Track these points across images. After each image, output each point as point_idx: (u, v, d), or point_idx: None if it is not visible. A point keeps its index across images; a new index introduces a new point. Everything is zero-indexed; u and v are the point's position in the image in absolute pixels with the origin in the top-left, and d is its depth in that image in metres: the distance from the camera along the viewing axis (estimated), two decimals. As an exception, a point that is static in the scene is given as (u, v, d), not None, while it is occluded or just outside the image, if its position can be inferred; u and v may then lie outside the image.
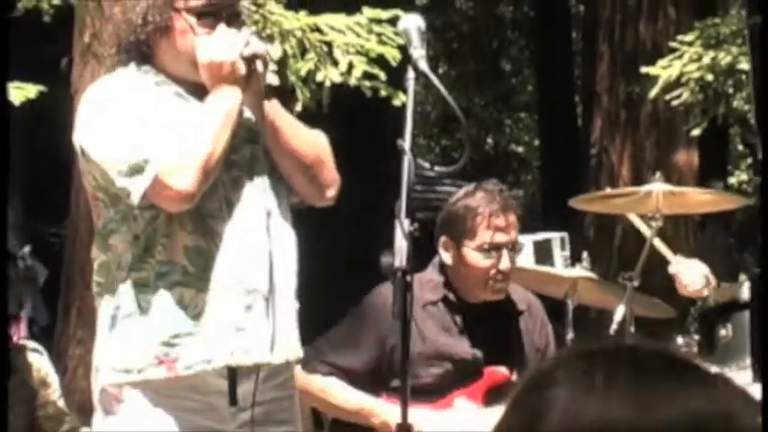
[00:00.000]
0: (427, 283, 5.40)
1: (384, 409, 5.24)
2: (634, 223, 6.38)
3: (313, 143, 4.24)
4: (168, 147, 3.96)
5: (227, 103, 4.05)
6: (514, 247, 5.43)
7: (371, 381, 5.31)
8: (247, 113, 4.16)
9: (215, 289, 4.05)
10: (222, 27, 4.12)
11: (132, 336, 4.05)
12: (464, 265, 5.39)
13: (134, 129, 4.01)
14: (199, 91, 4.10)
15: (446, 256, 5.41)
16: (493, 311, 5.50)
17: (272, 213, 4.15)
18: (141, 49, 4.16)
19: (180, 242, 4.04)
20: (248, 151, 4.16)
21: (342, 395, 5.33)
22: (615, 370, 1.78)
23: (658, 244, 6.13)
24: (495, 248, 5.35)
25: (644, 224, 6.23)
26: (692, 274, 6.02)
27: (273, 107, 4.18)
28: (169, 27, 4.14)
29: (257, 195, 4.15)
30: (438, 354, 5.38)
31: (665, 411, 1.75)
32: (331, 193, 4.27)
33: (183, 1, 4.13)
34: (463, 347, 5.43)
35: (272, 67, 4.26)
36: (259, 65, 4.10)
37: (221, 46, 4.07)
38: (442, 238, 5.40)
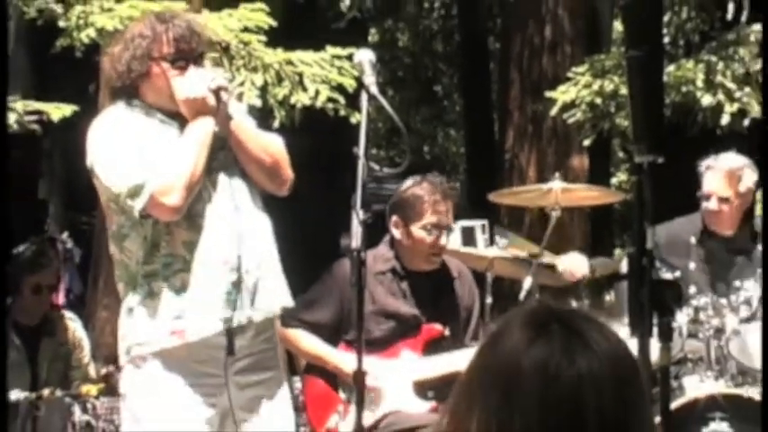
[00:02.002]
0: (380, 256, 5.45)
1: (337, 358, 5.30)
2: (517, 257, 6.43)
3: (271, 150, 4.25)
4: (159, 170, 3.99)
5: (202, 131, 4.09)
6: (450, 228, 5.49)
7: (333, 333, 5.36)
8: (220, 130, 4.18)
9: (206, 270, 4.07)
10: (192, 69, 4.14)
11: (149, 317, 4.06)
12: (411, 240, 5.43)
13: (131, 157, 4.06)
14: (178, 116, 4.14)
15: (396, 233, 5.45)
16: (432, 279, 5.54)
17: (242, 203, 4.17)
18: (127, 92, 4.17)
19: (179, 238, 4.06)
20: (222, 156, 4.19)
21: (307, 344, 5.39)
22: (551, 321, 1.80)
23: (547, 256, 6.17)
24: (435, 228, 5.40)
25: (528, 243, 6.29)
26: (577, 265, 6.05)
27: (237, 124, 4.21)
28: (149, 73, 4.15)
29: (230, 190, 4.16)
30: (385, 313, 5.41)
31: (598, 349, 1.77)
32: (286, 186, 4.30)
33: (158, 51, 4.14)
34: (406, 308, 5.45)
35: (255, 91, 4.28)
36: (224, 94, 4.13)
37: (193, 84, 4.09)
38: (394, 218, 5.45)
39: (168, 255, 4.07)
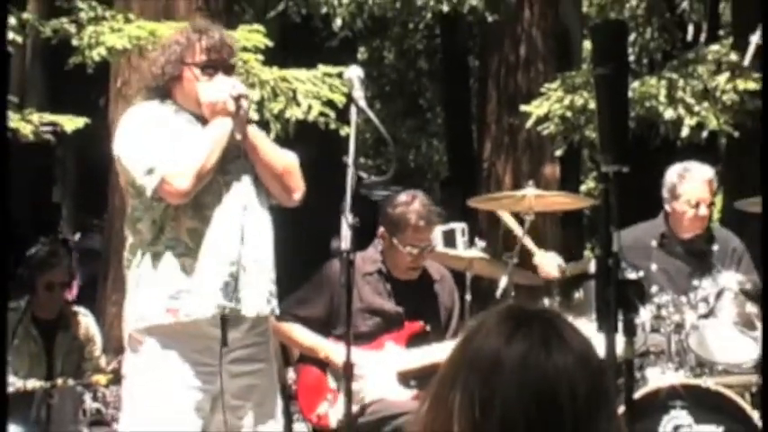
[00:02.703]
0: (368, 258, 5.48)
1: (328, 348, 5.31)
2: (507, 223, 6.40)
3: (283, 159, 4.27)
4: (174, 157, 4.00)
5: (219, 130, 4.10)
6: (428, 247, 5.53)
7: (323, 328, 5.37)
8: (239, 136, 4.19)
9: (207, 260, 4.08)
10: (219, 76, 4.16)
11: (148, 293, 4.07)
12: (393, 252, 5.45)
13: (152, 143, 4.07)
14: (203, 118, 4.15)
15: (382, 242, 5.47)
16: (415, 281, 5.56)
17: (251, 207, 4.18)
18: (160, 93, 4.20)
19: (184, 225, 4.08)
20: (239, 163, 4.19)
21: (300, 336, 5.41)
22: (527, 320, 1.82)
23: (527, 241, 6.16)
24: (415, 248, 5.43)
25: (515, 223, 6.26)
26: (549, 265, 6.07)
27: (254, 132, 4.23)
28: (181, 76, 4.17)
29: (242, 193, 4.18)
30: (371, 310, 5.43)
31: (568, 350, 1.78)
32: (297, 196, 4.30)
33: (191, 57, 4.17)
34: (390, 306, 5.48)
35: (253, 106, 4.30)
36: (243, 102, 4.15)
37: (216, 90, 4.10)
38: (381, 229, 5.47)
39: (172, 239, 4.09)
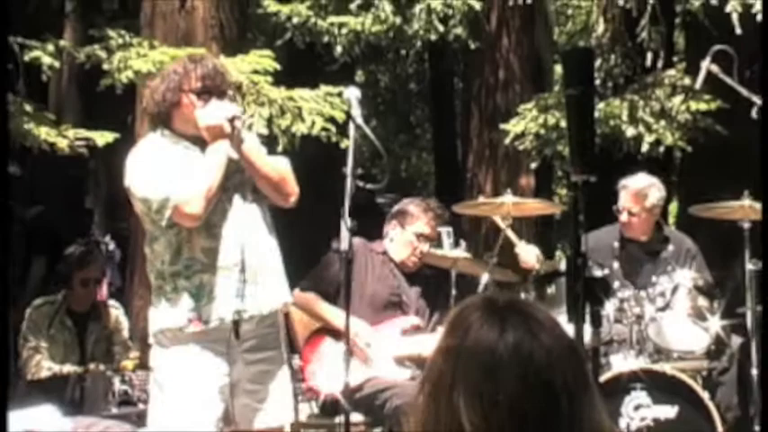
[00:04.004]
0: (377, 245, 5.57)
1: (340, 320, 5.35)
2: (498, 223, 6.39)
3: (277, 168, 4.23)
4: (182, 186, 3.96)
5: (218, 153, 4.07)
6: (432, 240, 5.62)
7: (337, 295, 5.37)
8: (236, 155, 4.15)
9: (221, 273, 4.05)
10: (213, 101, 4.12)
11: (172, 306, 4.05)
12: (402, 239, 5.55)
13: (159, 177, 4.03)
14: (199, 142, 4.11)
15: (393, 233, 5.58)
16: (413, 273, 5.63)
17: (254, 216, 4.15)
18: (162, 117, 4.17)
19: (198, 244, 4.04)
20: (237, 177, 4.15)
21: (319, 306, 5.43)
22: (508, 311, 1.80)
23: (510, 233, 6.17)
24: (422, 237, 5.52)
25: (503, 223, 6.25)
26: (527, 255, 6.09)
27: (248, 147, 4.18)
28: (179, 102, 4.13)
29: (244, 205, 4.15)
30: (381, 280, 5.50)
31: (547, 338, 1.76)
32: (292, 199, 4.27)
33: (188, 85, 4.13)
34: (398, 283, 5.57)
35: (263, 121, 4.26)
36: (237, 122, 4.10)
37: (212, 114, 4.07)
38: (393, 222, 5.60)
39: (189, 258, 4.05)
